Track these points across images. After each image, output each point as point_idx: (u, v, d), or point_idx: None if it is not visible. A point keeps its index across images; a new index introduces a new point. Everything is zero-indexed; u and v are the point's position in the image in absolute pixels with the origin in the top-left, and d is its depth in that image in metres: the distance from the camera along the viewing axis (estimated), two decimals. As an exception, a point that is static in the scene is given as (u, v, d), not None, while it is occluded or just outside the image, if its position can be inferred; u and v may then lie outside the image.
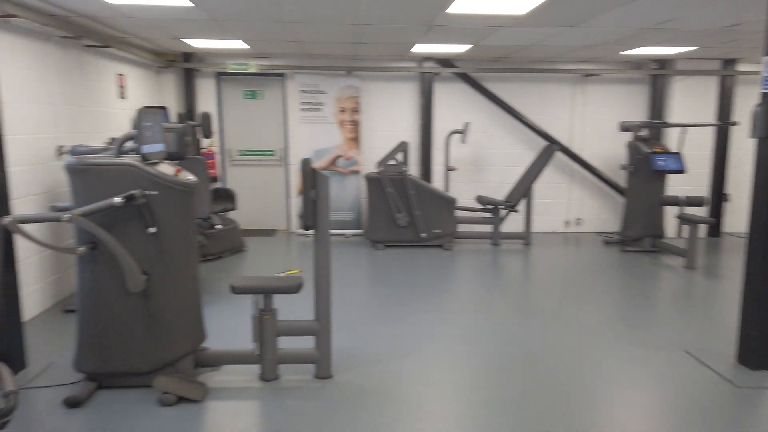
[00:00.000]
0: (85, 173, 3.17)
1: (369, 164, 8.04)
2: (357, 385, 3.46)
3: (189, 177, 3.45)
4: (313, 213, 3.38)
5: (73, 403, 3.19)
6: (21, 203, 4.46)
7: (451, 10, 4.59)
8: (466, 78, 8.03)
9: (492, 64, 7.99)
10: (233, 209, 6.80)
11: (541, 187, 8.36)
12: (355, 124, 7.94)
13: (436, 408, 3.21)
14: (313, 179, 3.35)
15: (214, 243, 6.47)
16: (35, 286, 4.67)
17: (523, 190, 7.38)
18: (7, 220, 3.01)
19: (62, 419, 3.05)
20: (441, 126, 8.17)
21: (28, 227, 4.40)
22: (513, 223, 8.34)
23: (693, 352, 4.02)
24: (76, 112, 5.38)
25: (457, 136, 8.24)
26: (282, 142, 8.22)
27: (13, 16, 4.12)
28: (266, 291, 3.40)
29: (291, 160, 8.19)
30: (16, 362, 3.61)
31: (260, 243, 7.48)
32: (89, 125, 5.65)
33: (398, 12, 4.72)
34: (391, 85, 8.09)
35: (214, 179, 7.94)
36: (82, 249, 3.16)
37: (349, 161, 8.01)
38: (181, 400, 3.25)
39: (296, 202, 8.15)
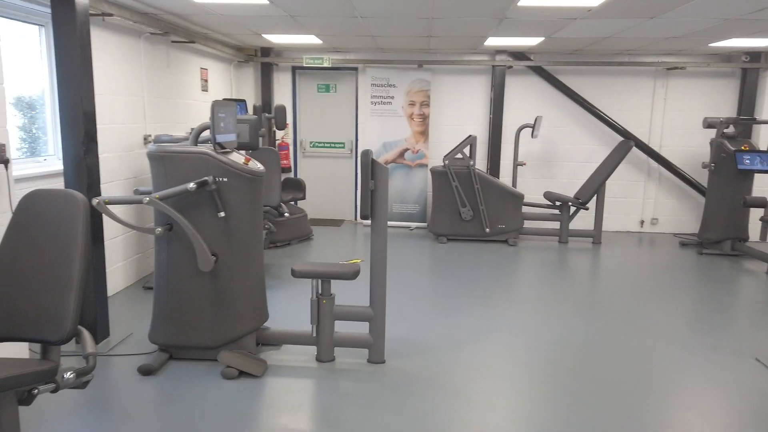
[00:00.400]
0: (164, 160, 3.44)
1: (436, 158, 8.08)
2: (409, 372, 3.55)
3: (257, 166, 3.64)
4: (370, 203, 3.49)
5: (146, 371, 3.48)
6: (110, 187, 4.87)
7: (522, 2, 4.54)
8: (540, 71, 7.86)
9: (568, 57, 7.78)
10: (302, 199, 7.06)
11: (615, 184, 8.06)
12: (424, 118, 7.99)
13: (488, 400, 3.23)
14: (372, 170, 3.46)
15: (283, 230, 6.75)
16: (119, 264, 5.09)
17: (594, 186, 7.16)
18: (96, 200, 3.33)
19: (136, 385, 3.34)
20: (511, 120, 8.06)
21: (113, 208, 4.81)
22: (583, 220, 8.10)
23: (764, 360, 3.80)
24: (162, 104, 5.79)
25: (527, 130, 8.10)
26: (352, 134, 8.41)
27: (109, 15, 4.49)
28: (324, 276, 3.55)
29: (360, 153, 8.37)
30: (100, 332, 3.97)
31: (327, 232, 7.71)
32: (173, 116, 6.06)
33: (469, 5, 4.72)
34: (462, 79, 8.07)
35: (287, 170, 8.26)
36: (159, 230, 3.43)
37: (417, 154, 8.07)
38: (243, 374, 3.47)
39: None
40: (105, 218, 4.40)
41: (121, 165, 5.05)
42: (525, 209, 8.05)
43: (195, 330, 3.55)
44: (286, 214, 6.31)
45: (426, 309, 4.73)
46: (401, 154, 8.09)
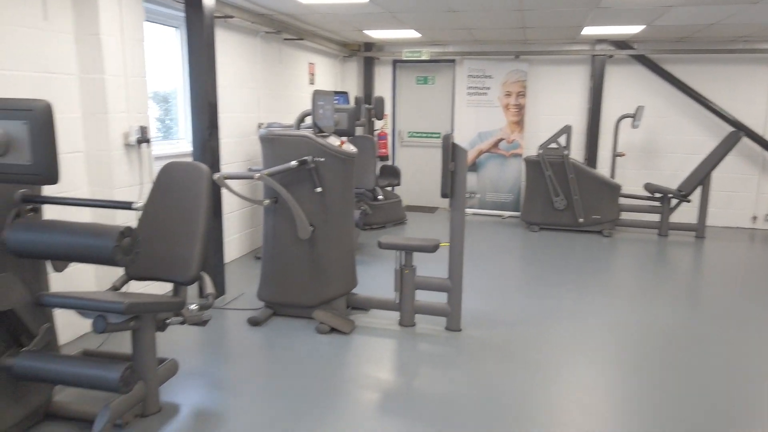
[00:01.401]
0: (272, 142, 3.98)
1: (531, 148, 8.15)
2: (484, 341, 3.82)
3: (351, 148, 4.08)
4: (450, 183, 3.80)
5: (254, 323, 4.06)
6: (229, 167, 5.57)
7: (611, -10, 4.59)
8: (643, 60, 7.66)
9: (675, 45, 7.51)
10: (398, 185, 7.47)
11: (723, 177, 7.67)
12: (520, 108, 8.08)
13: (563, 376, 3.43)
14: (452, 152, 3.76)
15: (378, 213, 7.21)
16: (235, 236, 5.80)
17: (699, 178, 6.89)
18: (216, 175, 3.93)
19: (246, 333, 3.92)
20: (610, 110, 7.93)
21: (230, 183, 5.49)
22: (686, 214, 7.79)
23: None
24: (273, 96, 6.45)
25: (627, 120, 7.92)
26: (448, 124, 8.69)
27: (231, 17, 5.16)
28: (407, 248, 3.92)
29: (455, 143, 8.62)
30: (218, 290, 4.63)
31: (420, 218, 8.07)
32: (283, 107, 6.71)
33: (556, -4, 4.85)
34: (559, 69, 8.06)
35: (385, 158, 8.72)
36: (267, 201, 3.98)
37: (512, 144, 8.19)
38: (333, 330, 3.93)
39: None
40: (223, 195, 5.07)
41: (238, 149, 5.74)
42: (622, 200, 7.89)
43: (294, 290, 4.07)
44: (380, 197, 6.75)
45: (511, 289, 4.95)
46: (496, 144, 8.25)
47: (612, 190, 7.08)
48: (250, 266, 5.56)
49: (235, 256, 5.83)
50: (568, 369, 3.45)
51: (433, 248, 3.88)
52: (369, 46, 8.53)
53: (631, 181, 8.00)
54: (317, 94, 3.90)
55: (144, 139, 3.89)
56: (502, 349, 3.72)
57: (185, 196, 2.99)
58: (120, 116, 3.73)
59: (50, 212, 3.42)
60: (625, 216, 7.66)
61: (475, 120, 8.27)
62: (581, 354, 3.66)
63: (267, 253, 4.14)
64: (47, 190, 3.35)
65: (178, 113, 5.16)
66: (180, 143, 5.10)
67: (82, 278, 3.74)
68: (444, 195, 3.82)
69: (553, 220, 7.29)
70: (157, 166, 4.33)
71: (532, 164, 7.25)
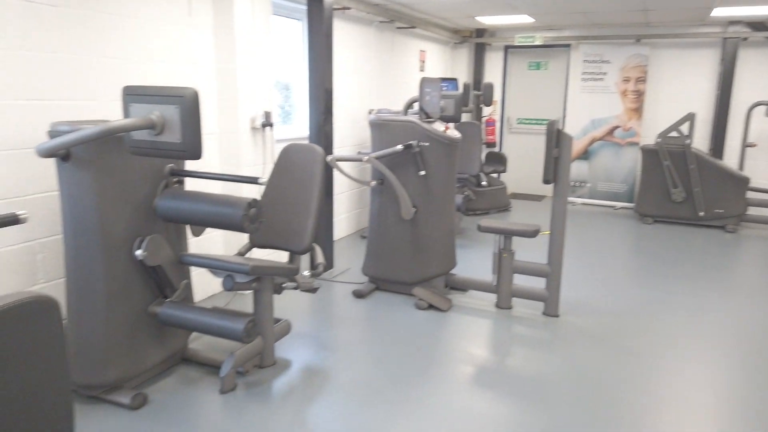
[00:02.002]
0: (380, 127, 4.22)
1: (649, 136, 7.75)
2: (582, 328, 3.83)
3: (455, 134, 4.22)
4: (554, 169, 3.82)
5: (358, 295, 4.36)
6: (341, 150, 5.93)
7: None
8: (783, 41, 6.98)
9: (823, 24, 6.77)
10: (503, 172, 7.47)
11: None
12: (639, 94, 7.71)
13: (665, 366, 3.38)
14: (557, 138, 3.78)
15: (482, 199, 7.27)
16: (343, 216, 6.17)
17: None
18: (330, 157, 4.26)
19: (351, 304, 4.24)
20: (742, 97, 7.32)
21: (341, 165, 5.84)
22: (829, 213, 7.05)
23: None
24: (384, 83, 6.71)
25: (760, 108, 7.27)
26: (560, 111, 8.49)
27: (348, 8, 5.46)
28: (506, 233, 4.01)
29: (567, 130, 8.42)
30: (327, 265, 5.00)
31: (526, 205, 8.01)
32: (393, 93, 6.96)
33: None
34: (684, 53, 7.56)
35: (492, 144, 8.71)
36: (373, 182, 4.24)
37: (628, 132, 7.85)
38: (432, 307, 4.14)
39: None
40: (335, 177, 5.42)
41: (350, 134, 6.08)
42: (751, 195, 7.29)
43: (396, 267, 4.32)
44: (484, 184, 6.81)
45: (618, 279, 4.85)
46: (611, 132, 7.95)
47: (739, 182, 6.58)
48: (356, 244, 5.90)
49: (343, 234, 6.20)
50: (670, 361, 3.38)
51: (532, 233, 3.93)
52: (480, 32, 8.53)
53: (763, 174, 7.36)
54: (425, 81, 4.08)
55: (267, 123, 4.30)
56: (601, 336, 3.71)
57: (302, 174, 3.31)
58: (248, 102, 4.15)
59: (188, 184, 3.93)
60: (753, 211, 7.07)
61: (589, 106, 8.01)
62: (687, 348, 3.56)
63: (372, 231, 4.41)
64: (188, 165, 3.85)
65: (297, 100, 5.58)
66: (297, 128, 5.52)
67: (212, 245, 4.25)
68: (546, 181, 3.85)
69: (669, 212, 6.93)
70: (278, 148, 4.75)
71: (650, 153, 6.92)
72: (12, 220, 1.60)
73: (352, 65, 5.97)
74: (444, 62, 8.49)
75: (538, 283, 4.28)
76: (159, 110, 2.31)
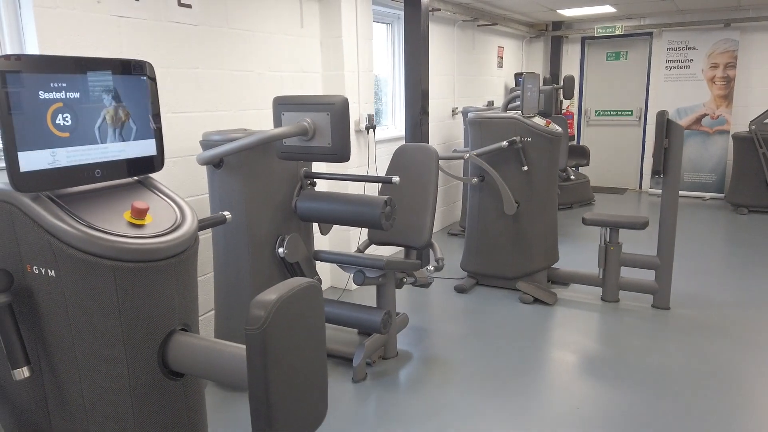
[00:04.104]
0: (481, 125, 4.31)
1: (740, 124, 7.47)
2: (694, 319, 3.80)
3: (556, 128, 4.26)
4: (663, 160, 3.80)
5: (460, 290, 4.47)
6: (429, 150, 6.06)
7: None
8: None
9: None
10: (586, 165, 7.39)
11: None
12: (728, 81, 7.44)
13: (776, 352, 3.33)
14: (666, 129, 3.76)
15: (566, 194, 7.22)
16: (433, 212, 6.29)
17: None
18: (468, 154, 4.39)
19: (453, 298, 4.35)
20: None
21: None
22: None
23: None
24: (466, 81, 6.79)
25: None
26: (641, 101, 8.30)
27: (437, 9, 5.58)
28: (613, 225, 4.01)
29: (649, 120, 8.22)
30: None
31: (609, 199, 7.88)
32: (474, 91, 7.03)
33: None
34: (779, 35, 7.24)
35: (571, 137, 8.62)
36: (475, 180, 4.34)
37: (716, 120, 7.59)
38: (536, 301, 4.19)
39: (650, 162, 8.19)
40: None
41: (436, 132, 6.20)
42: None
43: (498, 262, 4.40)
44: (572, 177, 6.77)
45: (721, 271, 4.75)
46: (698, 120, 7.71)
47: None
48: (445, 241, 6.01)
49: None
50: (795, 354, 3.32)
51: (642, 225, 3.93)
52: (557, 24, 8.46)
53: None
54: (528, 77, 4.14)
55: (371, 125, 4.48)
56: (715, 328, 3.67)
57: (417, 172, 3.45)
58: (353, 106, 4.34)
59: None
60: None
61: (674, 95, 7.79)
62: (810, 341, 3.48)
63: (471, 227, 4.51)
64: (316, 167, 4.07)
65: (387, 101, 5.75)
66: (390, 128, 5.68)
67: (319, 242, 4.47)
68: (656, 173, 3.83)
69: (766, 202, 6.66)
70: (378, 149, 4.92)
71: (742, 141, 6.68)
72: (221, 221, 1.80)
73: (436, 65, 6.09)
74: (519, 57, 8.46)
75: (644, 276, 4.26)
76: (310, 117, 2.49)
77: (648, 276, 4.24)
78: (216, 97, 3.40)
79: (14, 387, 1.40)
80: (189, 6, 3.19)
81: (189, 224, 1.47)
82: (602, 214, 4.12)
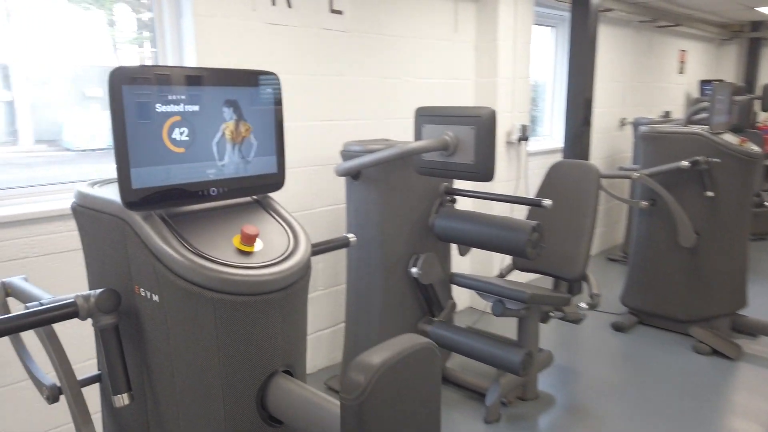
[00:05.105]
0: (655, 140, 3.73)
1: None
2: None
3: (753, 148, 3.54)
4: None
5: (618, 328, 3.91)
6: (589, 164, 5.48)
7: None
8: None
9: None
10: (788, 189, 6.19)
11: None
12: None
13: None
14: None
15: (759, 222, 6.11)
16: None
17: None
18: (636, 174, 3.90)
19: (608, 337, 3.82)
20: None
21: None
22: None
23: None
24: (638, 88, 6.06)
25: None
26: None
27: (610, 9, 5.01)
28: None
29: None
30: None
31: (817, 231, 6.53)
32: (647, 100, 6.25)
33: None
34: None
35: (766, 155, 7.33)
36: (644, 204, 3.77)
37: None
38: (715, 353, 3.51)
39: None
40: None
41: (598, 145, 5.59)
42: None
43: (667, 301, 3.77)
44: (766, 204, 5.70)
45: None
46: None
47: None
48: (603, 267, 5.39)
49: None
50: None
51: None
52: (756, 25, 7.24)
53: None
54: (718, 87, 3.49)
55: (524, 137, 4.12)
56: None
57: (574, 193, 3.04)
58: (505, 116, 4.01)
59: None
60: None
61: None
62: None
63: (637, 257, 3.93)
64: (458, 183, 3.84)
65: (544, 110, 5.30)
66: (545, 139, 5.23)
67: (457, 262, 4.20)
68: None
69: None
70: (530, 162, 4.53)
71: None
72: (344, 243, 1.64)
73: (604, 71, 5.48)
74: (706, 62, 7.40)
75: None
76: (453, 131, 2.25)
77: None
78: (360, 105, 3.31)
79: (122, 408, 1.35)
80: (340, 12, 3.12)
81: (301, 254, 1.31)
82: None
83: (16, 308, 1.27)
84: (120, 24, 2.75)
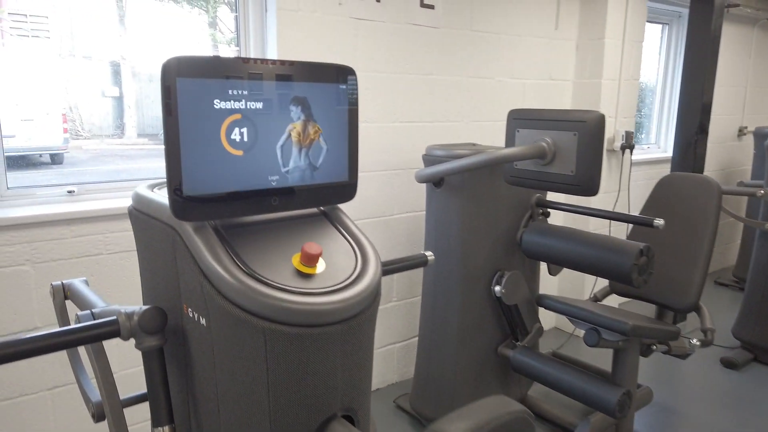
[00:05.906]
0: (788, 153, 3.23)
1: None
2: None
3: None
4: None
5: (729, 364, 3.44)
6: (699, 177, 4.93)
7: None
8: None
9: None
10: None
11: None
12: None
13: None
14: None
15: None
16: (696, 254, 5.12)
17: None
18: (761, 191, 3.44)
19: (717, 374, 3.35)
20: None
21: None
22: None
23: None
24: (761, 94, 5.39)
25: None
26: None
27: (736, 5, 4.46)
28: None
29: None
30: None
31: None
32: (773, 106, 5.56)
33: None
34: None
35: None
36: (767, 225, 3.28)
37: None
38: None
39: None
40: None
41: (713, 156, 5.02)
42: None
43: (792, 339, 3.26)
44: None
45: None
46: None
47: None
48: (711, 293, 4.82)
49: (692, 277, 5.16)
50: None
51: None
52: None
53: None
54: None
55: (628, 144, 3.72)
56: None
57: (689, 212, 2.66)
58: (609, 121, 3.64)
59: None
60: None
61: None
62: None
63: (755, 285, 3.43)
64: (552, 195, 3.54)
65: (650, 115, 4.82)
66: (650, 148, 4.75)
67: (545, 282, 3.87)
68: None
69: None
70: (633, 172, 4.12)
71: None
72: (421, 263, 1.44)
73: (722, 73, 4.91)
74: None
75: None
76: (551, 137, 1.98)
77: None
78: (446, 106, 3.09)
79: None
80: (432, 7, 2.92)
81: (369, 278, 1.12)
82: None
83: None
84: (219, 24, 2.74)
